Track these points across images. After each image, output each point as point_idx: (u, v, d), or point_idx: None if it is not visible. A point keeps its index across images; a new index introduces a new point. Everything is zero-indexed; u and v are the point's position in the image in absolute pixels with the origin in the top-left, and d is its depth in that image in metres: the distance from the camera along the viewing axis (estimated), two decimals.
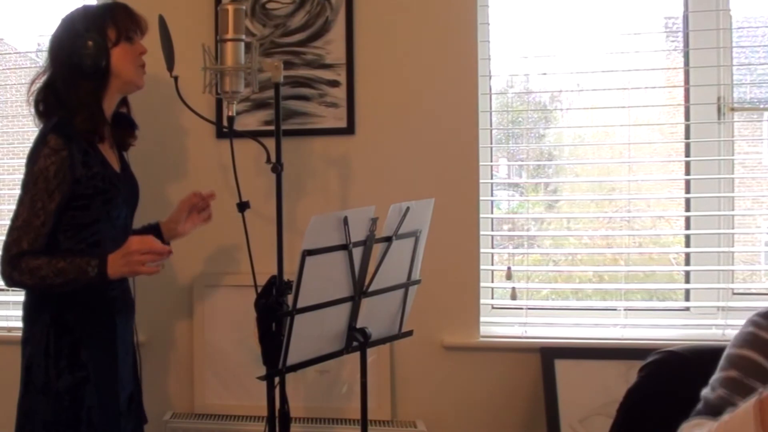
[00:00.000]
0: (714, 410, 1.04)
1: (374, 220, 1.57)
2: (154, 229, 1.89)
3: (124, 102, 1.82)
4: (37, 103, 1.70)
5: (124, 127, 1.81)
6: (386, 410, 2.21)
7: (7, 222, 1.59)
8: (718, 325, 2.22)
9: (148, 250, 1.55)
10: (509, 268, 2.31)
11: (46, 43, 1.76)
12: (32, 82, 1.72)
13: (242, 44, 1.73)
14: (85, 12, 1.70)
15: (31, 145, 1.63)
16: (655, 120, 2.38)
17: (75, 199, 1.60)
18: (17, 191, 1.63)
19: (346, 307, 1.60)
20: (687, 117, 2.30)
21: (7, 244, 1.57)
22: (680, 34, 2.32)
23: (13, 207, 1.60)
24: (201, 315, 2.28)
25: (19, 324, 1.71)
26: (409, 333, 1.78)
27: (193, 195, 1.92)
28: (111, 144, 1.76)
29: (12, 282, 1.59)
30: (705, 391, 1.10)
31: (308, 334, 1.54)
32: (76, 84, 1.64)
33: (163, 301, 2.32)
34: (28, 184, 1.59)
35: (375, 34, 2.24)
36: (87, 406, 1.63)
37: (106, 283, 1.61)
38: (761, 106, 2.33)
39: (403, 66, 2.24)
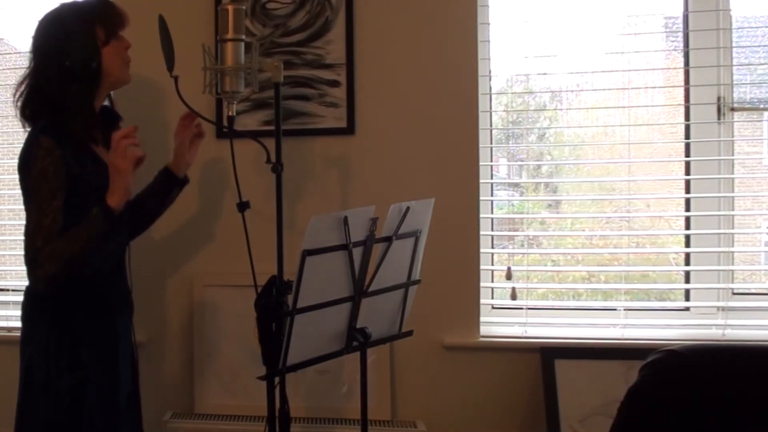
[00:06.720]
0: None
1: (374, 220, 1.57)
2: (164, 174, 1.90)
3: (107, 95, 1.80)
4: (24, 107, 1.68)
5: (108, 121, 1.80)
6: (386, 410, 2.21)
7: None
8: (718, 325, 2.22)
9: (118, 142, 1.56)
10: (509, 268, 2.31)
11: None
12: (19, 85, 1.69)
13: (242, 44, 1.73)
14: (71, 12, 1.67)
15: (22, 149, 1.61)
16: (655, 120, 2.38)
17: (72, 197, 1.59)
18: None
19: (346, 307, 1.60)
20: (687, 117, 2.30)
21: (25, 251, 1.56)
22: (680, 34, 2.32)
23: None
24: (201, 315, 2.28)
25: (19, 324, 1.71)
26: (409, 333, 1.78)
27: (182, 126, 1.90)
28: (99, 140, 1.74)
29: (42, 281, 1.55)
30: None
31: (308, 334, 1.54)
32: (68, 87, 1.62)
33: (163, 300, 2.32)
34: (29, 189, 1.58)
35: (375, 34, 2.24)
36: (88, 405, 1.64)
37: (117, 218, 1.57)
38: (761, 106, 2.33)
39: (403, 66, 2.24)
